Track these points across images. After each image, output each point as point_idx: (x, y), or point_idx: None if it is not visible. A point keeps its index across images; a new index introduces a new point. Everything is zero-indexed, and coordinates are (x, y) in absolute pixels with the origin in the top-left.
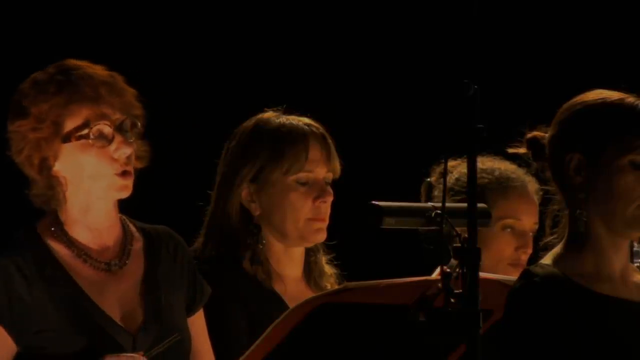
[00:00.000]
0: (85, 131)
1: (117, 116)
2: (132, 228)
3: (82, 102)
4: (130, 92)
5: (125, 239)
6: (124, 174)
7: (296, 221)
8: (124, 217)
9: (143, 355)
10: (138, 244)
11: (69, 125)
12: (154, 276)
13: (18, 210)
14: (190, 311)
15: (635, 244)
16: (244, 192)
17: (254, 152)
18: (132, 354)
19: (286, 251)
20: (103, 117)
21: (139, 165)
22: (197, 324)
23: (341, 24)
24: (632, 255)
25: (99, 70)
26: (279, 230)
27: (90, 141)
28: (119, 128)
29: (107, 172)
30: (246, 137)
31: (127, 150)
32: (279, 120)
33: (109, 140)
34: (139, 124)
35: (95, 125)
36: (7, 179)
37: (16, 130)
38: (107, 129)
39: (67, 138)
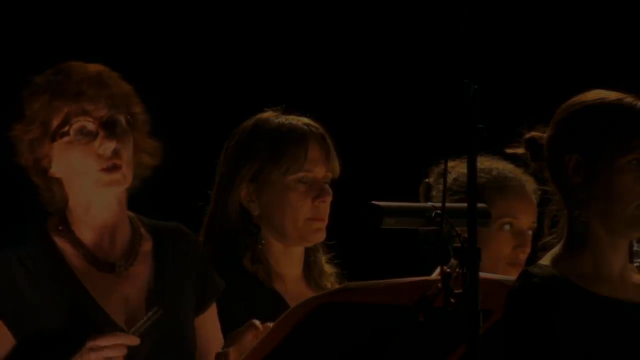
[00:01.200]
0: (66, 128)
1: (103, 112)
2: (142, 228)
3: (64, 99)
4: (124, 88)
5: (134, 239)
6: (111, 168)
7: (295, 221)
8: (133, 215)
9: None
10: (147, 245)
11: (54, 123)
12: (161, 279)
13: (29, 207)
14: (201, 308)
15: (635, 244)
16: (244, 192)
17: (253, 152)
18: (112, 333)
19: (286, 251)
20: (84, 113)
21: (151, 162)
22: (208, 323)
23: (341, 24)
24: (632, 255)
25: (88, 67)
26: (279, 230)
27: (72, 138)
28: (105, 124)
29: (92, 168)
30: (245, 137)
31: (110, 145)
32: (278, 120)
33: (93, 136)
34: (132, 119)
35: (75, 122)
36: (19, 177)
37: (15, 134)
38: (90, 125)
39: (53, 137)
